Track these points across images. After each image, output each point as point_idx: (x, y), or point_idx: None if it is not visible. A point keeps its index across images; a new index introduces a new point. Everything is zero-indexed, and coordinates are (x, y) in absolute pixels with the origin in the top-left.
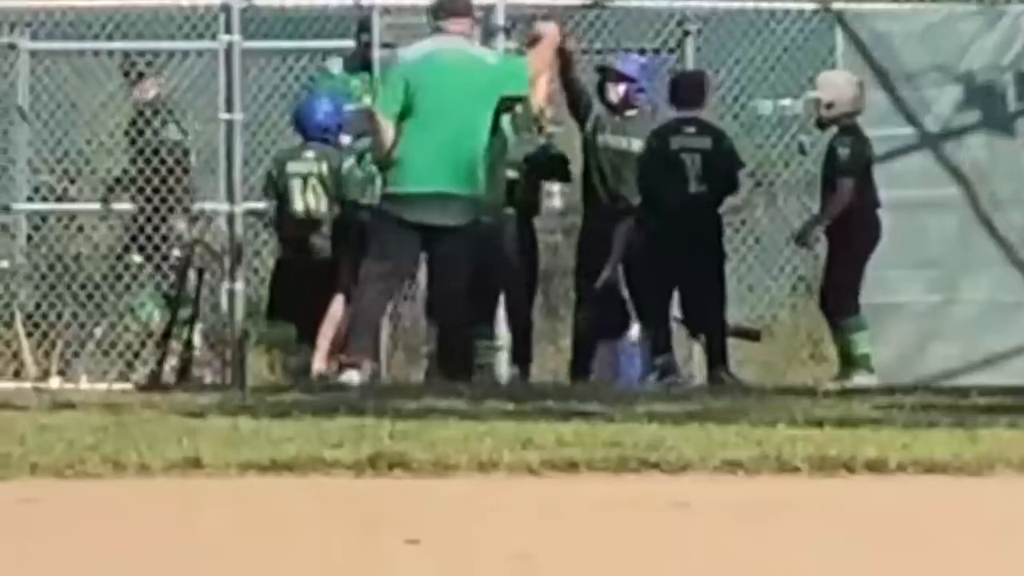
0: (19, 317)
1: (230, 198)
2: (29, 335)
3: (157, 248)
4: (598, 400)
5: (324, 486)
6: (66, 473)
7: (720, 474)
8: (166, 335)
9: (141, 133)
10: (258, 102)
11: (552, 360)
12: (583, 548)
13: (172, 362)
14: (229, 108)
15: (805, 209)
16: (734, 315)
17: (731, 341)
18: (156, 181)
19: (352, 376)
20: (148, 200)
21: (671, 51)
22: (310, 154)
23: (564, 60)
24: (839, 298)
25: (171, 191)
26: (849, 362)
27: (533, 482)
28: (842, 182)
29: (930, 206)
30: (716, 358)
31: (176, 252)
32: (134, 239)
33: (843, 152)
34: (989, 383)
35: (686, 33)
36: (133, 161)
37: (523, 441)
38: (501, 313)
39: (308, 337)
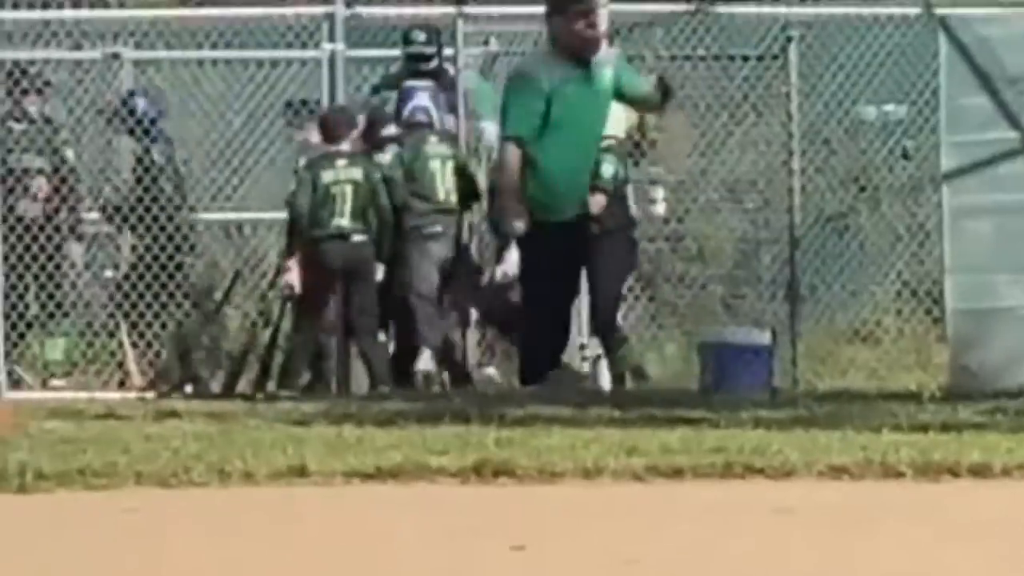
0: (124, 327)
1: None
2: (134, 345)
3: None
4: (703, 406)
5: (429, 493)
6: (171, 482)
7: (825, 479)
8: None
9: None
10: None
11: (655, 367)
12: (689, 554)
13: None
14: None
15: (909, 213)
16: (839, 321)
17: (836, 346)
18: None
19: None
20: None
21: (775, 57)
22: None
23: None
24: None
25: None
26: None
27: (638, 488)
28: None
29: None
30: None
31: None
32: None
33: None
34: None
35: (789, 39)
36: None
37: (628, 448)
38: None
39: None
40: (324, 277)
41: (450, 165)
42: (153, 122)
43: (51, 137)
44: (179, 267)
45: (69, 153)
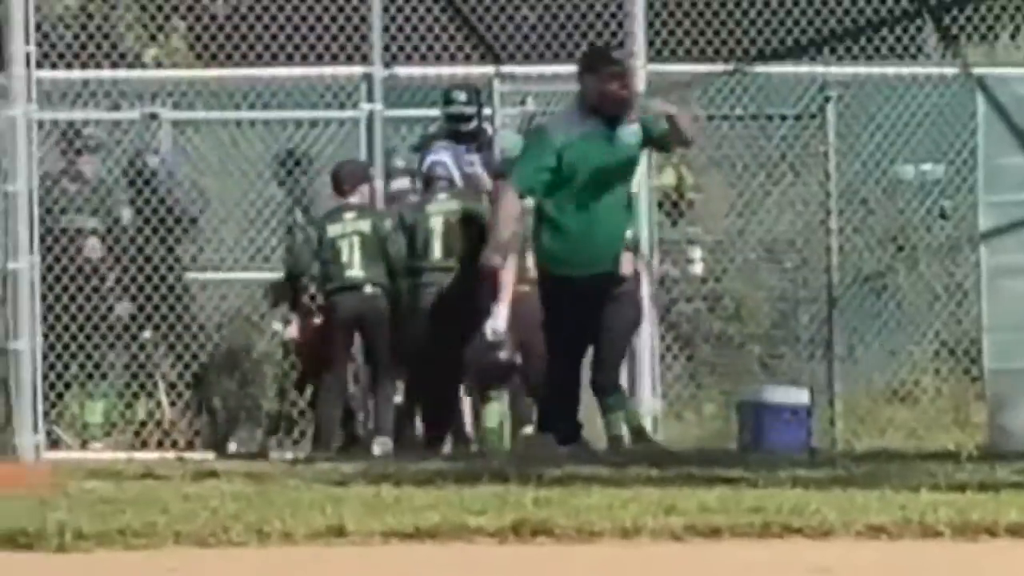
0: (162, 387)
1: None
2: (172, 404)
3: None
4: (741, 466)
5: (467, 553)
6: (210, 542)
7: (863, 539)
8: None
9: None
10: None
11: (694, 427)
12: None
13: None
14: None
15: (947, 273)
16: (877, 380)
17: (875, 406)
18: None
19: None
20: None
21: (812, 117)
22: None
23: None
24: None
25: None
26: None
27: (677, 548)
28: None
29: None
30: None
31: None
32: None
33: None
34: None
35: (827, 99)
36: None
37: (666, 507)
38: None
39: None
40: (340, 331)
41: (455, 221)
42: (155, 176)
43: (88, 196)
44: (174, 322)
45: (125, 213)
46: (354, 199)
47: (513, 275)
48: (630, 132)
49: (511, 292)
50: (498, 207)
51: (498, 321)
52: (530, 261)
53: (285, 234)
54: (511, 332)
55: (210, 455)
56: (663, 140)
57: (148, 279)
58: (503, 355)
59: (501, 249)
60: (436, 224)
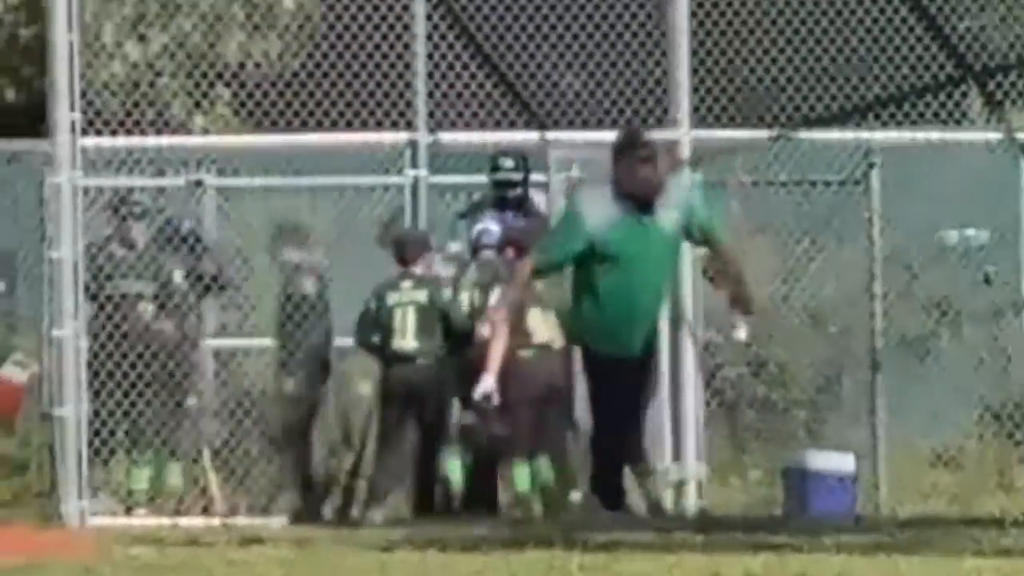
0: (207, 454)
1: None
2: (217, 471)
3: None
4: (786, 532)
5: None
6: None
7: None
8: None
9: None
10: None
11: (739, 493)
12: None
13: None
14: None
15: (991, 338)
16: (921, 445)
17: (919, 471)
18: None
19: None
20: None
21: (856, 183)
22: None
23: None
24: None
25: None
26: None
27: None
28: None
29: None
30: None
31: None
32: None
33: None
34: None
35: (871, 164)
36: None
37: (711, 573)
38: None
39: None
40: (393, 399)
41: (477, 294)
42: (199, 240)
43: (133, 263)
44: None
45: (177, 275)
46: (417, 269)
47: (503, 344)
48: (666, 218)
49: (498, 363)
50: (511, 280)
51: (478, 391)
52: (530, 325)
53: (281, 304)
54: (503, 397)
55: (256, 520)
56: (700, 242)
57: (193, 346)
58: (491, 420)
59: (495, 322)
60: (464, 297)
